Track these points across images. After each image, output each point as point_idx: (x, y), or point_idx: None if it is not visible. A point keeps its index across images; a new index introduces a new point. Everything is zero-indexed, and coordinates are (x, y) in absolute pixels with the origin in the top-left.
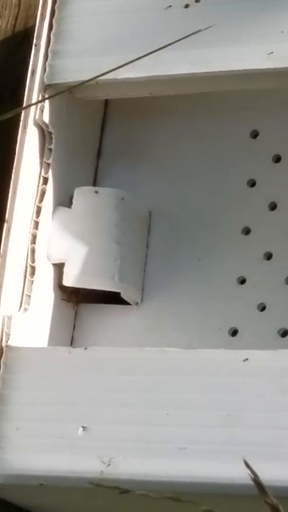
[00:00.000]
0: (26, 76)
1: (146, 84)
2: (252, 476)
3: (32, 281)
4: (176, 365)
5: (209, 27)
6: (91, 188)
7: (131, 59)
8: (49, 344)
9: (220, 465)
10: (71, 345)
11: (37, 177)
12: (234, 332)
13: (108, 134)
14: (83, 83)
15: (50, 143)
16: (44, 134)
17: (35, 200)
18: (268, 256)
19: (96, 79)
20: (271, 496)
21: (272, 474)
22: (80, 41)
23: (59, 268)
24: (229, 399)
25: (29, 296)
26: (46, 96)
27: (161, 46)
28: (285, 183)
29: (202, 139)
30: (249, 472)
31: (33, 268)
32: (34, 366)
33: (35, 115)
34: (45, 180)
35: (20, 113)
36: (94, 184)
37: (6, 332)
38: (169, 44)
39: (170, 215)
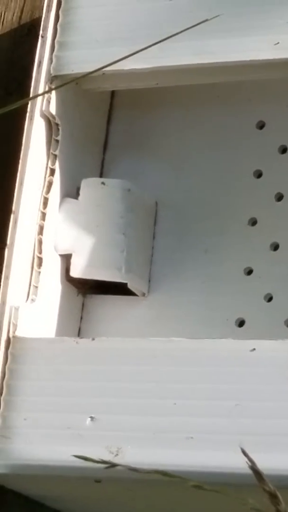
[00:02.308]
0: (33, 68)
1: (152, 75)
2: (249, 464)
3: (39, 272)
4: (183, 355)
5: (216, 16)
6: (98, 180)
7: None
8: (56, 335)
9: (227, 455)
10: (78, 336)
11: (44, 168)
12: (241, 323)
13: (115, 125)
14: (88, 74)
15: (57, 135)
16: (51, 125)
17: (42, 191)
18: (275, 247)
19: (102, 70)
20: (268, 483)
21: (280, 464)
22: (86, 32)
23: (66, 259)
24: (237, 389)
25: (36, 287)
26: (53, 87)
27: (167, 36)
28: None
29: (208, 130)
30: (247, 460)
31: (40, 259)
32: (42, 357)
33: (42, 106)
34: (52, 172)
35: (27, 104)
36: (101, 175)
37: (13, 323)
38: (175, 34)
39: (176, 206)
